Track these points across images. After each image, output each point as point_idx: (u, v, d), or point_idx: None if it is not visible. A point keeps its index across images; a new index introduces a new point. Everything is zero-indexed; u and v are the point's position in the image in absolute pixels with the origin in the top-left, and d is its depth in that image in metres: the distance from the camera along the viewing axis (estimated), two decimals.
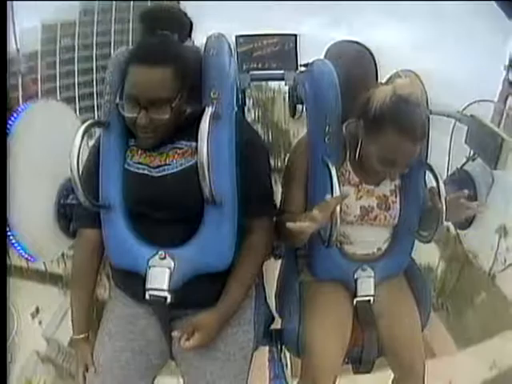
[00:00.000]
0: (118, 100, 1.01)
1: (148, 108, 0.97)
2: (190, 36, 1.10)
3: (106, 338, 1.15)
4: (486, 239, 1.60)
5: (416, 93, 1.03)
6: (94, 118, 1.13)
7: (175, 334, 1.05)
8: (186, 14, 1.11)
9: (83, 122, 1.06)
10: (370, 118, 1.06)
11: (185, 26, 1.08)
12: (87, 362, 1.13)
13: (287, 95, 1.69)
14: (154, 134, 1.02)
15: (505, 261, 1.53)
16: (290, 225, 0.96)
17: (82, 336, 1.16)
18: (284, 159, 1.36)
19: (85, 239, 1.16)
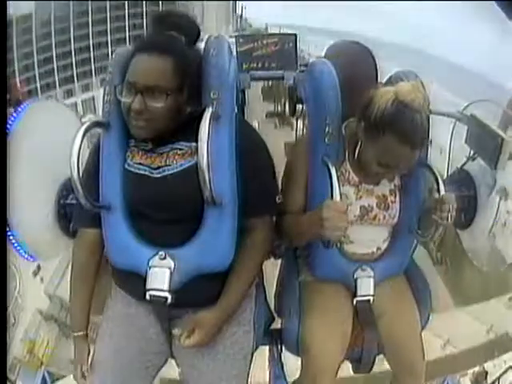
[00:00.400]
0: (117, 85, 1.03)
1: (144, 94, 0.98)
2: (195, 43, 1.10)
3: (107, 338, 1.15)
4: (486, 239, 1.60)
5: (418, 98, 1.02)
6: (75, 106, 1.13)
7: (175, 331, 1.05)
8: (194, 21, 1.11)
9: (83, 123, 1.06)
10: (371, 122, 1.06)
11: (192, 32, 1.08)
12: (83, 362, 1.14)
13: (287, 95, 1.70)
14: (147, 124, 1.01)
15: (505, 223, 1.52)
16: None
17: (80, 333, 1.16)
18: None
19: (84, 239, 1.16)
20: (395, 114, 1.02)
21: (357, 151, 1.14)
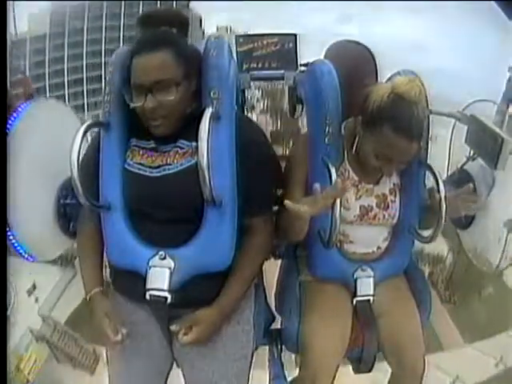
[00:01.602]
0: (124, 91, 1.03)
1: (153, 91, 0.98)
2: (187, 34, 1.11)
3: (118, 353, 1.15)
4: (486, 239, 1.60)
5: (414, 91, 1.04)
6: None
7: (173, 327, 1.05)
8: (181, 13, 1.12)
9: (83, 122, 1.06)
10: (368, 115, 1.07)
11: (182, 24, 1.09)
12: (107, 312, 1.08)
13: (287, 95, 1.70)
14: (164, 120, 1.02)
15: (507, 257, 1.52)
16: (288, 203, 0.97)
17: (97, 290, 1.12)
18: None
19: (89, 215, 1.16)
20: (391, 106, 1.03)
21: (355, 146, 1.14)
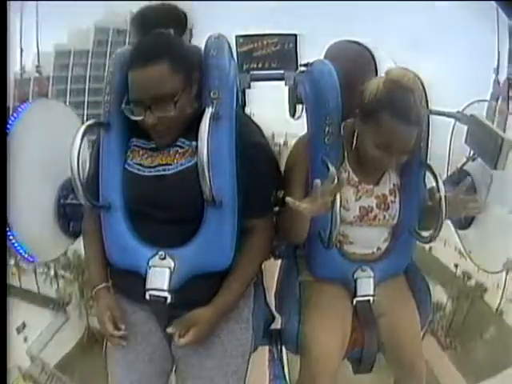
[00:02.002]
0: (124, 106, 1.02)
1: (152, 107, 0.98)
2: (186, 29, 1.07)
3: (118, 353, 1.15)
4: (486, 240, 1.60)
5: (407, 77, 1.06)
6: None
7: (170, 330, 1.05)
8: (177, 9, 1.07)
9: (83, 123, 1.06)
10: (365, 106, 1.08)
11: (180, 21, 1.06)
12: (110, 307, 1.09)
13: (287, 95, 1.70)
14: (167, 132, 1.02)
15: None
16: (289, 200, 0.97)
17: (103, 285, 1.12)
18: None
19: (91, 214, 1.15)
20: (387, 93, 1.05)
21: (354, 143, 1.14)
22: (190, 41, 1.13)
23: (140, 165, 1.07)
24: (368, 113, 1.07)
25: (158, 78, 0.96)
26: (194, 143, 1.02)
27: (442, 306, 12.59)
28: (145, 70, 0.96)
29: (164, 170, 1.05)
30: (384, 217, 1.20)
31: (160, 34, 1.02)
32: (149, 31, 1.02)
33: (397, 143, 1.07)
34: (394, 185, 1.21)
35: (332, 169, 1.04)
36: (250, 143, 1.08)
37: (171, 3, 1.07)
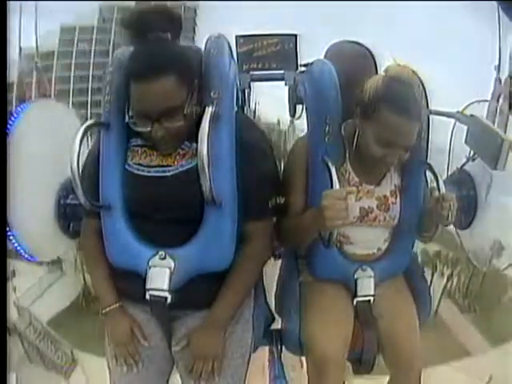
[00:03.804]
0: (127, 118, 1.01)
1: (160, 119, 0.96)
2: (180, 31, 1.04)
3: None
4: (486, 239, 1.60)
5: (406, 72, 1.07)
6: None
7: (174, 348, 1.11)
8: (172, 11, 1.04)
9: (83, 123, 1.06)
10: (365, 103, 1.08)
11: (174, 22, 1.03)
12: (135, 328, 1.10)
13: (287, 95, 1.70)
14: (173, 141, 1.02)
15: None
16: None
17: (117, 305, 1.12)
18: None
19: (91, 228, 1.14)
20: (386, 88, 1.05)
21: (355, 142, 1.14)
22: (193, 38, 1.12)
23: (140, 165, 1.07)
24: (368, 110, 1.07)
25: (166, 92, 0.94)
26: (194, 145, 1.02)
27: (457, 267, 12.47)
28: (151, 84, 0.93)
29: (164, 171, 1.05)
30: (384, 218, 1.20)
31: (161, 43, 0.98)
32: (144, 35, 0.98)
33: (398, 138, 1.06)
34: (395, 186, 1.21)
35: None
36: (251, 146, 1.07)
37: (162, 4, 1.04)
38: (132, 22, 0.99)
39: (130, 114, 1.00)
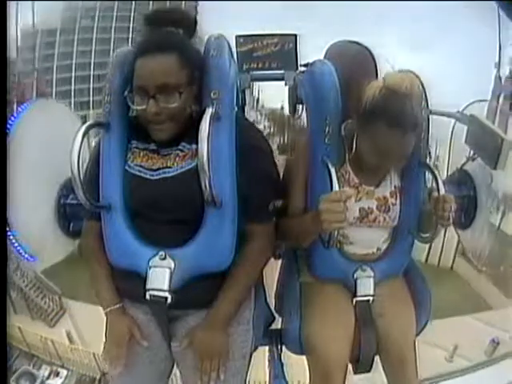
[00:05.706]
0: (126, 93, 1.02)
1: (157, 96, 0.98)
2: (194, 34, 1.10)
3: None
4: (486, 239, 1.60)
5: (405, 84, 1.04)
6: (88, 114, 1.13)
7: (174, 348, 1.11)
8: (188, 13, 1.11)
9: (84, 123, 1.06)
10: (362, 113, 1.07)
11: (190, 24, 1.08)
12: (134, 330, 1.10)
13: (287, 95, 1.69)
14: (166, 126, 1.02)
15: None
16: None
17: (117, 306, 1.12)
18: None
19: (92, 229, 1.14)
20: (383, 101, 1.04)
21: (354, 146, 1.14)
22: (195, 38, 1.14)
23: (140, 166, 1.07)
24: (365, 120, 1.07)
25: (167, 68, 0.97)
26: (194, 146, 1.02)
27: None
28: (154, 58, 0.97)
29: (164, 172, 1.05)
30: (384, 219, 1.20)
31: (171, 31, 1.04)
32: (159, 28, 1.04)
33: (393, 150, 1.06)
34: (395, 187, 1.21)
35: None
36: (251, 146, 1.07)
37: (178, 3, 1.10)
38: (150, 18, 1.07)
39: (129, 89, 1.02)
